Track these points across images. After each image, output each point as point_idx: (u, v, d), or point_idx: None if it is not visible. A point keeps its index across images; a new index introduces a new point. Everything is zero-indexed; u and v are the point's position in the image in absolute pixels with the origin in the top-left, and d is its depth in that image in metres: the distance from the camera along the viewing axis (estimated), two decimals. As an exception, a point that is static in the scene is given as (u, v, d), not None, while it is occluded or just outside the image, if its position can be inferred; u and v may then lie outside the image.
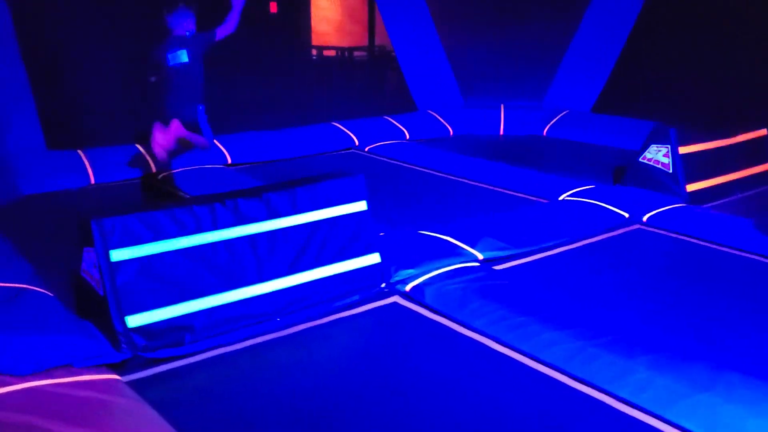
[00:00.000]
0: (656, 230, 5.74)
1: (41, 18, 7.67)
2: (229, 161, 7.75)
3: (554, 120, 9.56)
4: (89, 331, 3.58)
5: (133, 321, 3.59)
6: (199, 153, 7.41)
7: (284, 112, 9.53)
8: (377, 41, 11.83)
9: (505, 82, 10.19)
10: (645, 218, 5.88)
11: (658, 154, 6.39)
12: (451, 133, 9.59)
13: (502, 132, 9.67)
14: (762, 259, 5.10)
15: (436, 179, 7.34)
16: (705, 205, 6.31)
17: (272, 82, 9.76)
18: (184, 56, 4.61)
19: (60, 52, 7.84)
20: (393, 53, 10.60)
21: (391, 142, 8.81)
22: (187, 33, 4.69)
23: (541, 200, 6.48)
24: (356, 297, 4.32)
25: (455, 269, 4.58)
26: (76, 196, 6.60)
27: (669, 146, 6.30)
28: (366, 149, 8.65)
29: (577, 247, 5.35)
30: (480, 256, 4.91)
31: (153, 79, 4.82)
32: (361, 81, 11.74)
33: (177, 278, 3.76)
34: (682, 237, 5.57)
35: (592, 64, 9.86)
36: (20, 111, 7.18)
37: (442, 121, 9.64)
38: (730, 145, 6.73)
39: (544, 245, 5.26)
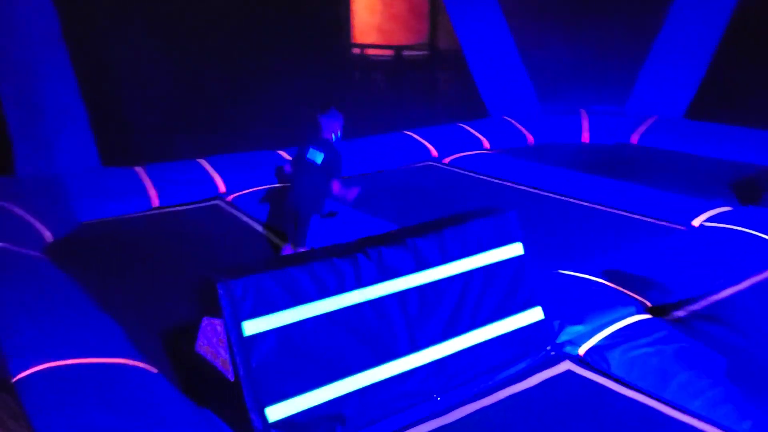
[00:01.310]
0: (826, 264, 4.89)
1: (91, 23, 6.88)
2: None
3: (644, 127, 8.69)
4: (217, 428, 2.79)
5: (275, 413, 2.78)
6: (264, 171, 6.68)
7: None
8: (437, 39, 10.98)
9: (582, 85, 9.32)
10: (809, 249, 5.03)
11: (810, 172, 5.54)
12: (532, 141, 8.74)
13: (587, 140, 8.80)
14: None
15: (540, 199, 6.48)
16: None
17: (311, 85, 8.87)
18: (319, 158, 4.56)
19: (111, 60, 7.06)
20: (455, 51, 9.75)
21: (472, 153, 7.96)
22: (334, 135, 4.69)
23: (675, 226, 5.62)
24: (522, 364, 3.51)
25: (631, 325, 3.75)
26: (140, 224, 5.80)
27: (825, 163, 5.46)
28: (446, 161, 7.81)
29: (746, 289, 4.51)
30: (648, 304, 4.09)
31: (288, 169, 4.92)
32: (420, 83, 10.88)
33: (322, 352, 2.97)
34: None
35: (681, 65, 8.97)
36: (72, 123, 6.40)
37: (520, 128, 8.78)
38: None
39: (711, 289, 4.43)
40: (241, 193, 6.39)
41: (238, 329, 2.79)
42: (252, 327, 2.81)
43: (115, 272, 4.76)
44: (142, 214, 5.99)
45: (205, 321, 2.94)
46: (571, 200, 6.39)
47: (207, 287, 2.84)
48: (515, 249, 3.68)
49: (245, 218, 5.90)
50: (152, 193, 6.16)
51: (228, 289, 2.79)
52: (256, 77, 8.43)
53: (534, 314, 3.65)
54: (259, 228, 5.66)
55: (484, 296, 3.50)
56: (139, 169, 6.43)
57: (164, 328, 3.80)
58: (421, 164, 7.76)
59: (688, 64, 8.97)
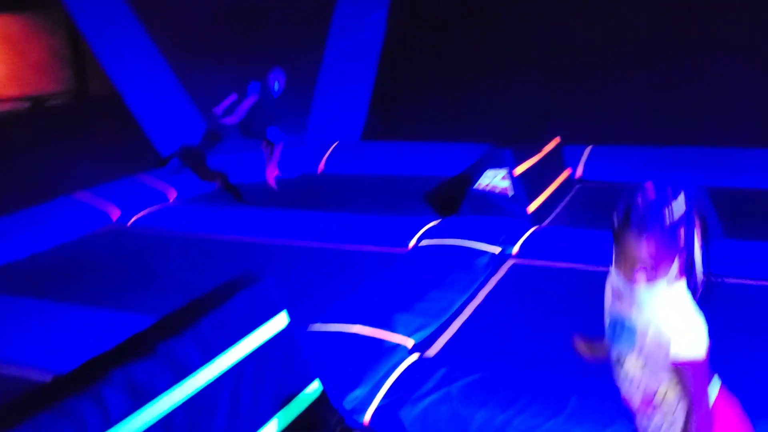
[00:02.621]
0: (531, 262, 5.27)
1: None
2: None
3: (327, 154, 8.74)
4: None
5: None
6: None
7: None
8: (87, 85, 9.71)
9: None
10: (514, 251, 5.43)
11: (495, 179, 6.01)
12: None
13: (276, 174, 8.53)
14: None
15: (248, 248, 5.97)
16: (544, 224, 6.10)
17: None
18: None
19: None
20: (111, 97, 8.72)
21: (158, 207, 7.12)
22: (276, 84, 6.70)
23: (395, 250, 5.61)
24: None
25: (404, 373, 3.53)
26: None
27: (507, 169, 5.97)
28: (129, 223, 6.84)
29: (483, 302, 4.65)
30: (409, 343, 3.91)
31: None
32: (74, 136, 9.47)
33: None
34: (559, 265, 5.18)
35: (349, 90, 9.29)
36: None
37: (205, 172, 8.15)
38: (542, 158, 6.67)
39: (453, 310, 4.45)
40: None
41: None
42: None
43: None
44: None
45: None
46: (285, 242, 6.03)
47: None
48: (280, 321, 3.18)
49: None
50: None
51: None
52: None
53: (313, 391, 3.19)
54: None
55: (260, 388, 2.93)
56: None
57: None
58: (103, 230, 6.69)
59: (355, 89, 9.32)
